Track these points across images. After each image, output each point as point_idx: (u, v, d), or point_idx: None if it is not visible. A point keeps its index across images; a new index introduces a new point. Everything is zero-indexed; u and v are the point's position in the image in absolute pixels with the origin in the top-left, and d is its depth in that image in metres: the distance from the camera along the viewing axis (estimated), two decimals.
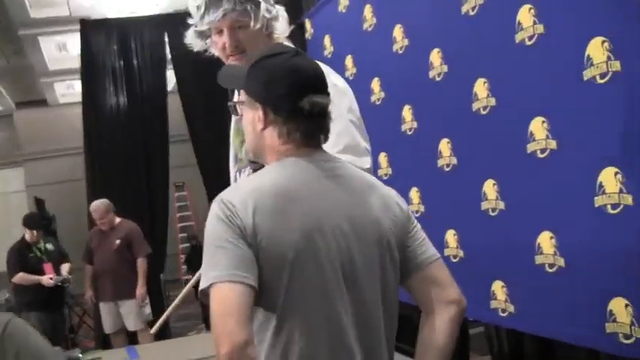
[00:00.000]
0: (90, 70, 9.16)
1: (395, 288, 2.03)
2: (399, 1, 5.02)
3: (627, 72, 3.01)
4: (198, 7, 2.75)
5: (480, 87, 4.02)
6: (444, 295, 2.03)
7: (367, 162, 2.50)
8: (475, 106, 4.06)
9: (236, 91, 2.63)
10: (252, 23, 2.72)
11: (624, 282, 3.13)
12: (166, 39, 9.35)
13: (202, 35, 2.84)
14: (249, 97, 2.02)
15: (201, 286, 1.80)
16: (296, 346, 1.83)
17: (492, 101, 3.95)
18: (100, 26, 9.33)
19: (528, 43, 3.58)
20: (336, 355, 1.87)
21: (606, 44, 3.08)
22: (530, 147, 3.60)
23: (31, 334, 1.60)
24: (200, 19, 2.76)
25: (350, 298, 1.89)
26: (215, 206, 1.87)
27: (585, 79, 3.19)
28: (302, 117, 1.95)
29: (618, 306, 3.14)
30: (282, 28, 2.83)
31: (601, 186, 3.15)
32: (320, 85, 2.00)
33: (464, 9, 4.14)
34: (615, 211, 3.09)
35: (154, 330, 3.00)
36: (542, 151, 3.53)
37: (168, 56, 9.50)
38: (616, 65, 3.05)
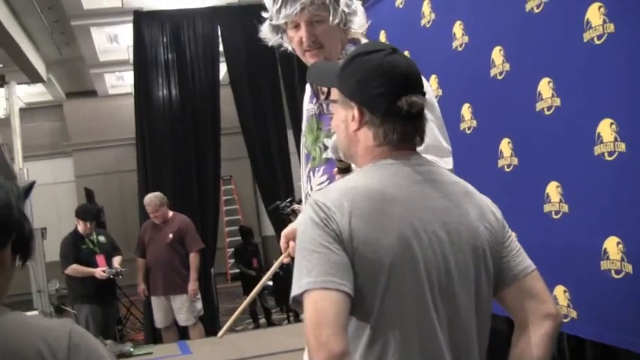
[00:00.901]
0: (142, 61, 9.24)
1: (489, 299, 1.97)
2: None
3: None
4: (274, 1, 2.72)
5: (545, 86, 3.96)
6: (541, 308, 1.96)
7: (449, 163, 2.45)
8: (539, 105, 4.01)
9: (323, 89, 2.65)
10: (330, 18, 2.69)
11: None
12: (219, 31, 9.39)
13: (277, 29, 2.82)
14: (343, 95, 1.96)
15: (294, 292, 1.75)
16: (390, 358, 1.78)
17: (557, 101, 3.89)
18: (153, 18, 9.41)
19: (597, 42, 3.52)
20: None
21: (602, 9, 3.05)
22: (598, 149, 3.54)
23: (93, 340, 1.59)
24: (276, 12, 2.73)
25: (445, 308, 1.83)
26: (309, 209, 1.81)
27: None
28: (399, 117, 1.89)
29: None
30: (359, 24, 2.80)
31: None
32: (417, 85, 1.94)
33: (528, 6, 4.08)
34: None
35: (221, 334, 2.98)
36: (610, 153, 3.47)
37: (221, 48, 9.54)
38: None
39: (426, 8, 5.38)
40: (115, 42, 13.01)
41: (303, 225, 1.81)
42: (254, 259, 11.58)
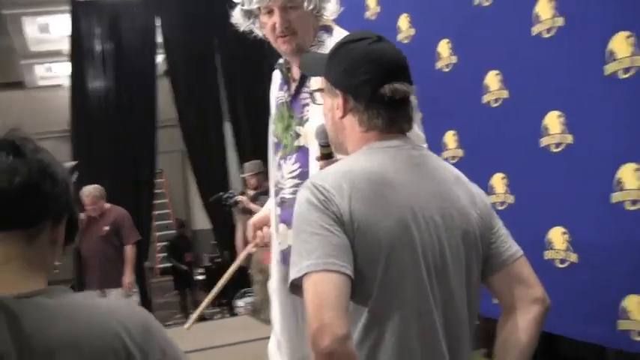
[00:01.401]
0: (79, 52, 9.13)
1: (478, 284, 1.99)
2: None
3: None
4: None
5: (492, 79, 4.03)
6: (529, 293, 1.99)
7: None
8: (486, 98, 4.08)
9: (313, 79, 2.64)
10: (305, 4, 2.71)
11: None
12: (158, 23, 9.32)
13: (250, 15, 2.82)
14: (329, 83, 2.00)
15: (293, 276, 1.75)
16: (387, 342, 1.79)
17: (505, 94, 3.96)
18: (91, 8, 9.30)
19: (546, 35, 3.60)
20: (426, 351, 1.83)
21: (631, 39, 3.10)
22: (544, 141, 3.62)
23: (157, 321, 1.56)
24: None
25: (440, 291, 1.85)
26: (306, 192, 1.82)
27: (607, 74, 3.22)
28: (382, 104, 1.91)
29: (632, 303, 3.17)
30: (332, 10, 2.82)
31: (619, 182, 3.17)
32: (402, 72, 1.96)
33: (476, 0, 4.15)
34: (634, 208, 3.12)
35: (187, 325, 2.95)
36: (557, 145, 3.55)
37: (160, 40, 9.48)
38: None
39: (371, 1, 5.41)
40: (46, 32, 12.75)
41: (300, 208, 1.81)
42: (186, 253, 11.53)
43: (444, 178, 1.96)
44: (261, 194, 8.04)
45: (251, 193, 8.12)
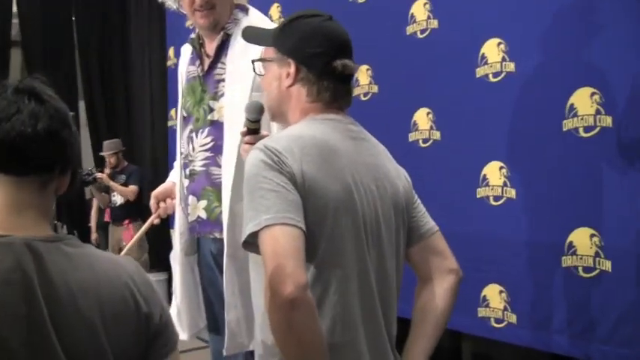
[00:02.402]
0: None
1: (404, 252, 2.10)
2: None
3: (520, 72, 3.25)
4: None
5: (363, 73, 4.18)
6: (444, 264, 2.10)
7: None
8: (356, 91, 4.19)
9: (230, 54, 2.74)
10: None
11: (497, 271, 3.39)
12: None
13: None
14: (280, 53, 2.05)
15: (250, 230, 1.78)
16: (331, 297, 1.86)
17: (375, 88, 4.11)
18: None
19: (420, 36, 3.77)
20: (365, 307, 1.92)
21: (502, 46, 3.30)
22: (413, 136, 3.79)
23: None
24: None
25: (374, 255, 1.94)
26: (259, 153, 1.86)
27: (478, 76, 3.42)
28: (333, 78, 1.99)
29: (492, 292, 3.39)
30: None
31: (485, 178, 3.38)
32: (350, 51, 2.03)
33: None
34: (497, 203, 3.33)
35: None
36: (425, 140, 3.73)
37: (15, 9, 9.15)
38: (510, 66, 3.29)
39: None
40: None
41: (254, 168, 1.85)
42: None
43: (376, 153, 2.06)
44: (118, 173, 8.03)
45: (108, 171, 8.03)
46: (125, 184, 7.94)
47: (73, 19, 9.50)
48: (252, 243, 1.81)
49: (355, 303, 1.90)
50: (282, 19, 4.80)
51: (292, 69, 2.01)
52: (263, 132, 2.43)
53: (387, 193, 2.01)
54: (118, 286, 1.46)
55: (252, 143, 2.26)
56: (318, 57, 1.99)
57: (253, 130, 2.41)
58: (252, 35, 2.29)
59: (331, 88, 2.00)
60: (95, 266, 1.45)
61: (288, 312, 1.69)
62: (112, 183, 7.86)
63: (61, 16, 9.39)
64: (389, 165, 2.08)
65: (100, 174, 7.84)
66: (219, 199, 2.76)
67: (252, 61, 2.21)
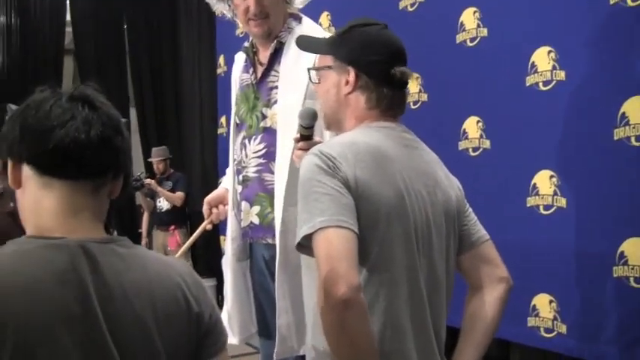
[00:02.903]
0: None
1: (454, 259, 2.12)
2: None
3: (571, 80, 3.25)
4: None
5: (413, 83, 4.16)
6: (495, 273, 2.13)
7: None
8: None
9: (284, 63, 2.80)
10: None
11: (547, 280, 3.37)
12: (67, 0, 9.18)
13: None
14: (339, 61, 2.09)
15: (305, 232, 1.83)
16: (381, 302, 1.89)
17: (425, 97, 4.12)
18: None
19: (470, 44, 3.77)
20: (414, 313, 1.94)
21: (552, 54, 3.29)
22: (462, 144, 3.79)
23: None
24: None
25: (425, 261, 1.97)
26: (313, 158, 1.91)
27: (528, 84, 3.41)
28: (391, 85, 2.04)
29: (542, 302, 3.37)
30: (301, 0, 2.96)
31: (535, 187, 3.37)
32: (405, 59, 2.08)
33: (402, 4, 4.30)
34: (548, 212, 3.32)
35: None
36: (475, 149, 3.73)
37: (68, 17, 9.31)
38: (561, 75, 3.27)
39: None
40: None
41: (309, 173, 1.90)
42: None
43: (429, 160, 2.09)
44: (165, 179, 8.16)
45: (156, 177, 8.20)
46: (172, 191, 8.07)
47: (125, 27, 9.67)
48: (305, 245, 1.85)
49: (405, 309, 1.92)
50: (334, 28, 4.88)
51: (352, 76, 2.06)
52: (316, 138, 2.45)
53: (439, 200, 2.04)
54: (170, 286, 1.49)
55: (305, 149, 2.32)
56: (378, 64, 2.04)
57: (306, 137, 2.44)
58: (307, 44, 2.33)
59: (389, 96, 2.05)
60: (147, 267, 1.49)
61: (341, 312, 1.72)
62: (159, 189, 8.01)
63: (113, 24, 9.56)
64: (441, 173, 2.11)
65: (148, 179, 7.99)
66: (272, 205, 2.80)
67: (308, 70, 2.25)
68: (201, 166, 8.78)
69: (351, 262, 1.76)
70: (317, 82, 2.21)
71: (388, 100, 2.06)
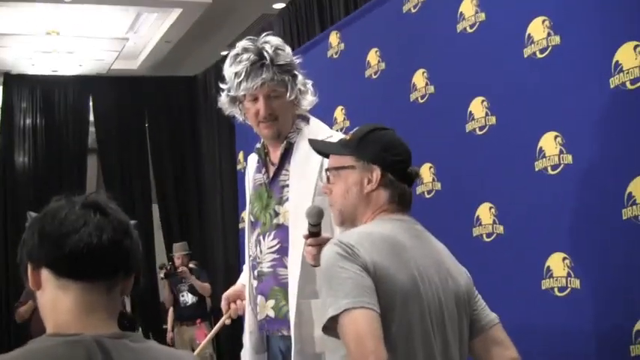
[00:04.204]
0: (9, 124, 9.10)
1: (466, 342, 2.28)
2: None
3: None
4: (236, 74, 2.95)
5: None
6: (506, 354, 2.30)
7: None
8: (419, 189, 4.24)
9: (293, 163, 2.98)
10: (287, 94, 2.99)
11: None
12: (90, 101, 9.42)
13: (235, 100, 3.07)
14: (362, 160, 2.28)
15: (331, 314, 1.99)
16: None
17: (438, 185, 4.18)
18: (24, 82, 9.38)
19: (479, 132, 3.85)
20: None
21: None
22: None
23: None
24: (237, 85, 2.96)
25: (440, 343, 2.12)
26: (334, 247, 2.08)
27: (537, 170, 3.48)
28: (408, 182, 2.30)
29: None
30: (309, 101, 3.10)
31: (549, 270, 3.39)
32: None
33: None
34: (563, 294, 3.32)
35: None
36: (489, 235, 3.76)
37: (91, 118, 9.55)
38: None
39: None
40: None
41: (331, 260, 2.06)
42: None
43: (438, 249, 2.31)
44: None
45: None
46: None
47: (146, 125, 10.05)
48: (330, 327, 2.01)
49: None
50: (349, 122, 4.97)
51: (376, 175, 2.26)
52: (324, 234, 2.60)
53: (450, 286, 2.22)
54: None
55: (314, 245, 2.55)
56: (400, 164, 2.27)
57: (314, 234, 2.59)
58: (325, 147, 2.53)
59: (405, 191, 2.29)
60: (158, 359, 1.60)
61: None
62: (192, 277, 8.12)
63: (135, 124, 9.98)
64: (450, 262, 2.30)
65: (181, 267, 8.23)
66: (286, 298, 2.89)
67: (326, 170, 2.43)
68: (223, 260, 8.95)
69: (378, 340, 1.93)
70: (332, 182, 2.38)
71: (404, 197, 2.29)
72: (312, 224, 2.58)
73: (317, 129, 3.07)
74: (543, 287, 3.46)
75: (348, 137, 2.42)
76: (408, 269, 2.09)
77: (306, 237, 2.62)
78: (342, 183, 2.33)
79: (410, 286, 2.07)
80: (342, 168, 2.33)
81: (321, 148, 2.52)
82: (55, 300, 1.58)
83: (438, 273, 2.19)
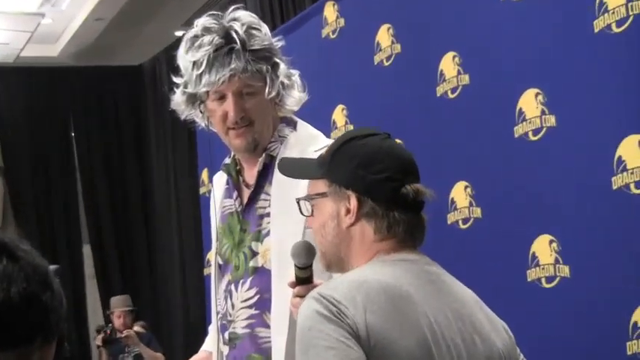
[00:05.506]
0: None
1: None
2: None
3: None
4: (194, 63, 3.17)
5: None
6: None
7: None
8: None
9: (275, 184, 3.25)
10: (266, 89, 3.22)
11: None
12: None
13: (194, 99, 3.32)
14: (335, 185, 2.48)
15: None
16: None
17: (466, 79, 4.97)
18: None
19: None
20: None
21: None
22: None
23: None
24: (196, 78, 3.18)
25: None
26: (313, 303, 2.25)
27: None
28: (404, 207, 2.43)
29: None
30: (296, 98, 3.38)
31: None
32: (417, 172, 2.49)
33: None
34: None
35: None
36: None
37: None
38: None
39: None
40: None
41: (308, 321, 2.25)
42: None
43: (463, 300, 2.49)
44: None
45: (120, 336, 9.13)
46: None
47: (72, 135, 11.13)
48: None
49: None
50: (352, 126, 5.73)
51: (353, 202, 2.44)
52: (317, 281, 2.79)
53: (478, 349, 2.43)
54: None
55: (304, 296, 2.56)
56: (385, 183, 2.42)
57: (304, 279, 2.80)
58: (291, 168, 2.78)
59: (404, 221, 2.44)
60: None
61: None
62: (142, 345, 8.84)
63: (56, 132, 10.76)
64: (480, 315, 2.49)
65: (126, 331, 8.94)
66: None
67: (297, 200, 2.66)
68: (182, 320, 9.85)
69: None
70: (310, 214, 2.63)
71: (405, 227, 2.43)
72: (299, 267, 2.77)
73: (307, 137, 3.33)
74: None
75: (324, 151, 2.61)
76: (417, 330, 2.24)
77: (293, 285, 2.81)
78: (320, 216, 2.55)
79: (418, 353, 2.24)
80: (313, 197, 2.55)
81: (288, 170, 2.74)
82: None
83: (461, 332, 2.35)
